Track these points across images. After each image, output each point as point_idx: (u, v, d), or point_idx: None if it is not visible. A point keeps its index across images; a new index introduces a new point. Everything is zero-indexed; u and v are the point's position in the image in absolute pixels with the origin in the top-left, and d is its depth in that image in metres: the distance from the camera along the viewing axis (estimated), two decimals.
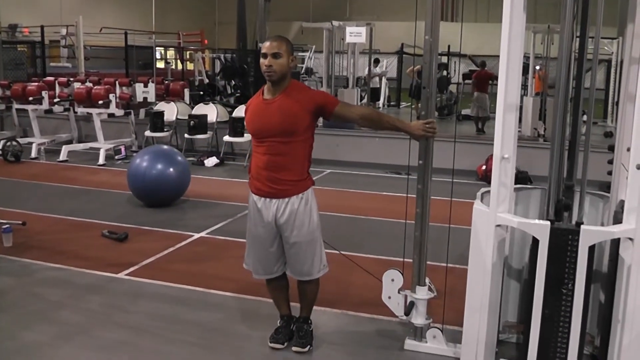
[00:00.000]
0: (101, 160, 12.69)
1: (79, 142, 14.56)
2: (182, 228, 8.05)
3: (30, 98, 13.83)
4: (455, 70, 24.09)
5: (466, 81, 20.07)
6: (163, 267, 6.64)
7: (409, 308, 4.74)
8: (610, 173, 4.33)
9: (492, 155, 3.98)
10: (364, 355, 4.77)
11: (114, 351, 4.75)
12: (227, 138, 12.92)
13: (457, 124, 17.46)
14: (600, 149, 4.83)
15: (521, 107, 13.17)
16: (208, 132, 13.50)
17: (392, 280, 4.81)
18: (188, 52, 26.03)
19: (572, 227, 3.73)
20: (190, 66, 25.68)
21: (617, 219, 3.86)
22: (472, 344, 4.17)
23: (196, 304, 5.67)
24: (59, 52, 22.88)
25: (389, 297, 4.83)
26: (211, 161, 12.87)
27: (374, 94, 21.47)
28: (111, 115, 13.39)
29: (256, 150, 4.45)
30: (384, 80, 23.65)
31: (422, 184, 4.62)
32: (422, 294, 4.73)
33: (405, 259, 4.86)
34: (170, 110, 14.14)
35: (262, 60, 4.28)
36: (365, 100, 19.18)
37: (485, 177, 10.64)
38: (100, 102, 13.12)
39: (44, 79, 15.37)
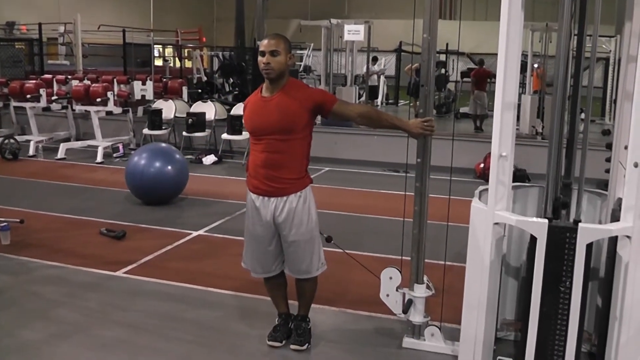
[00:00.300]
0: (99, 158, 12.69)
1: (77, 139, 14.55)
2: (180, 226, 8.05)
3: (28, 96, 13.79)
4: (453, 69, 24.10)
5: (464, 79, 20.07)
6: (161, 265, 6.64)
7: (407, 306, 4.74)
8: (607, 171, 4.33)
9: (490, 153, 3.98)
10: (362, 353, 4.77)
11: (112, 349, 4.74)
12: (225, 136, 12.92)
13: (456, 122, 17.46)
14: (598, 147, 4.83)
15: (519, 105, 13.18)
16: (206, 130, 13.48)
17: (390, 278, 4.80)
18: (186, 50, 25.99)
19: (569, 225, 3.73)
20: (188, 64, 25.64)
21: (615, 217, 3.87)
22: (470, 342, 4.17)
23: (194, 302, 5.67)
24: (56, 50, 22.87)
25: (387, 295, 4.83)
26: (209, 159, 12.86)
27: (372, 92, 21.47)
28: (109, 113, 13.38)
29: (254, 148, 4.45)
30: (382, 78, 23.69)
31: (421, 182, 4.62)
32: (420, 291, 4.73)
33: (404, 257, 4.87)
34: (169, 108, 14.14)
35: (260, 58, 4.29)
36: (363, 98, 19.18)
37: (484, 175, 10.65)
38: (98, 99, 13.11)
39: (42, 76, 15.33)
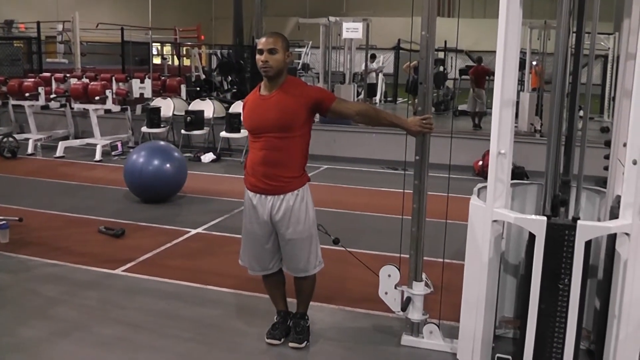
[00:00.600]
0: (98, 156, 12.69)
1: (76, 138, 14.55)
2: (178, 224, 8.05)
3: (27, 94, 13.79)
4: (452, 66, 24.09)
5: (463, 77, 20.08)
6: (160, 263, 6.65)
7: (406, 304, 4.74)
8: (606, 168, 4.33)
9: (488, 150, 3.98)
10: (360, 350, 4.77)
11: (111, 347, 4.75)
12: (223, 134, 12.91)
13: (454, 120, 17.46)
14: (596, 144, 4.83)
15: (518, 103, 13.18)
16: (205, 128, 13.47)
17: (389, 275, 4.80)
18: (185, 48, 26.01)
19: (568, 222, 3.73)
20: (186, 62, 25.68)
21: (614, 214, 3.87)
22: (468, 339, 4.18)
23: (193, 300, 5.67)
24: (55, 48, 22.82)
25: (386, 293, 4.83)
26: (208, 157, 12.86)
27: (371, 89, 21.48)
28: (108, 111, 13.36)
29: (253, 146, 4.45)
30: (380, 76, 23.68)
31: (419, 180, 4.62)
32: (419, 289, 4.73)
33: (402, 255, 4.87)
34: (167, 106, 14.13)
35: (258, 56, 4.30)
36: (362, 96, 19.18)
37: (482, 173, 10.64)
38: (97, 98, 13.09)
39: (41, 74, 15.33)
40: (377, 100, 23.04)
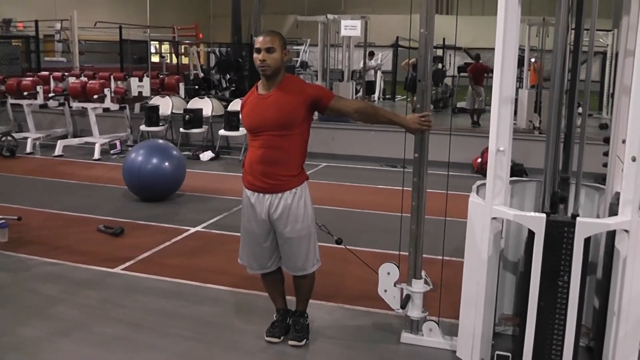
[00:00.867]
0: (96, 155, 12.68)
1: (74, 136, 14.54)
2: (177, 222, 8.05)
3: (25, 93, 13.78)
4: (450, 63, 24.09)
5: (461, 74, 20.08)
6: (159, 261, 6.64)
7: (405, 301, 4.74)
8: (605, 165, 4.33)
9: (487, 147, 3.98)
10: (360, 348, 4.77)
11: (110, 346, 4.75)
12: (222, 132, 12.91)
13: (453, 117, 17.46)
14: (595, 141, 4.83)
15: (516, 100, 13.16)
16: (203, 126, 13.47)
17: (388, 273, 4.81)
18: (183, 46, 25.99)
19: (567, 219, 3.73)
20: (185, 60, 25.66)
21: (613, 211, 3.87)
22: (468, 337, 4.18)
23: (192, 298, 5.67)
24: (53, 47, 22.82)
25: (385, 291, 4.84)
26: (206, 155, 12.86)
27: (369, 87, 21.48)
28: (106, 109, 13.36)
29: (251, 144, 4.45)
30: (379, 73, 23.67)
31: (418, 177, 4.62)
32: (418, 287, 4.73)
33: (401, 252, 4.87)
34: (165, 105, 14.12)
35: (255, 55, 4.30)
36: (360, 94, 19.18)
37: (481, 170, 10.64)
38: (95, 96, 13.08)
39: (39, 73, 15.31)
40: (376, 98, 23.03)
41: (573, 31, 3.88)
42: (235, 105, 13.11)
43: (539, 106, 14.81)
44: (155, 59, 25.79)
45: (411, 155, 4.61)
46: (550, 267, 3.73)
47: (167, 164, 9.04)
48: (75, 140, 13.87)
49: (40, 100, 13.93)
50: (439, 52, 22.54)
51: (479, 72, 17.18)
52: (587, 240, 3.70)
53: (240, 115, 4.71)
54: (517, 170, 9.60)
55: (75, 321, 5.16)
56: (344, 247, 5.27)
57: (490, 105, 3.98)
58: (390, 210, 7.54)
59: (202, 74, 21.26)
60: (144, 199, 9.13)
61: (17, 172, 11.36)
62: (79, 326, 5.06)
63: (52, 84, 14.24)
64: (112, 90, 13.48)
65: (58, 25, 21.24)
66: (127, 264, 6.48)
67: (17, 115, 14.92)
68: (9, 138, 12.92)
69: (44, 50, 21.64)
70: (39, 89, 13.86)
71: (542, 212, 3.82)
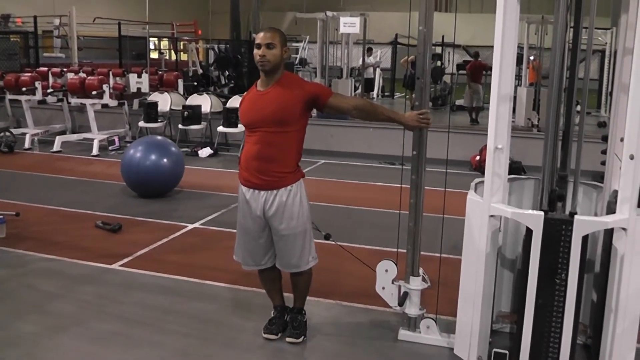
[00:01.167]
0: (95, 151, 12.68)
1: (73, 132, 14.55)
2: (176, 219, 8.05)
3: (24, 88, 13.78)
4: (449, 61, 24.07)
5: (460, 71, 20.07)
6: (157, 258, 6.65)
7: (403, 298, 4.75)
8: (603, 163, 4.33)
9: (486, 145, 3.98)
10: (357, 345, 4.78)
11: (108, 342, 4.75)
12: (221, 129, 12.91)
13: (451, 115, 17.46)
14: (593, 139, 4.83)
15: (515, 98, 13.20)
16: (202, 122, 13.48)
17: (386, 270, 4.81)
18: (182, 43, 25.96)
19: (565, 217, 3.73)
20: (184, 57, 25.59)
21: (611, 209, 3.87)
22: (465, 334, 4.18)
23: (190, 294, 5.67)
24: (52, 43, 22.80)
25: (383, 288, 4.84)
26: (205, 152, 12.86)
27: (368, 84, 21.47)
28: (105, 105, 13.37)
29: (248, 140, 4.45)
30: (378, 70, 23.65)
31: (416, 175, 4.63)
32: (416, 284, 4.74)
33: (399, 250, 4.87)
34: (164, 101, 14.11)
35: (255, 50, 4.30)
36: (359, 91, 19.16)
37: (479, 168, 10.66)
38: (94, 92, 13.09)
39: (37, 69, 15.32)
40: (375, 95, 23.02)
41: (572, 29, 3.88)
42: (234, 101, 13.11)
43: (537, 104, 14.80)
44: (154, 55, 25.76)
45: (410, 152, 4.61)
46: (548, 264, 3.73)
47: (165, 160, 9.04)
48: (73, 136, 13.88)
49: (38, 96, 13.94)
50: (438, 50, 22.54)
51: (477, 69, 17.16)
52: (585, 238, 3.70)
53: (238, 112, 4.69)
54: (515, 168, 9.60)
55: (72, 317, 5.16)
56: (333, 242, 5.26)
57: (489, 103, 3.98)
58: (388, 207, 7.55)
59: (201, 71, 21.23)
60: (142, 195, 9.13)
61: (16, 167, 11.35)
62: (77, 322, 5.06)
63: (51, 80, 14.24)
64: (111, 86, 13.48)
65: (57, 21, 21.23)
66: (125, 260, 6.48)
67: (16, 111, 14.90)
68: (8, 134, 12.92)
69: (42, 46, 21.62)
70: (38, 84, 13.87)
71: (540, 210, 3.82)
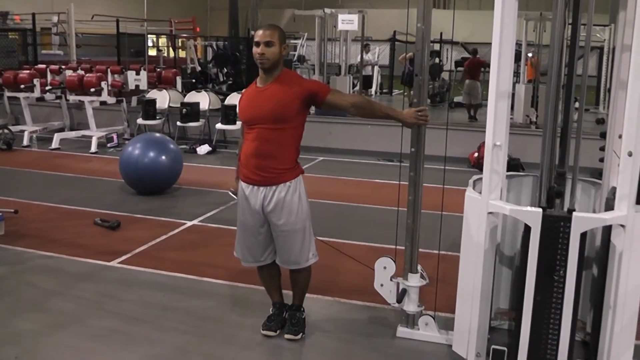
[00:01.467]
0: (93, 148, 12.67)
1: (71, 130, 14.52)
2: (174, 216, 8.05)
3: (22, 86, 13.76)
4: (447, 58, 24.09)
5: (458, 68, 20.08)
6: (155, 255, 6.64)
7: (401, 295, 4.75)
8: (602, 160, 4.33)
9: (484, 142, 3.98)
10: (356, 342, 4.78)
11: (107, 339, 4.75)
12: (219, 126, 12.90)
13: (450, 112, 17.46)
14: (592, 136, 4.83)
15: (513, 95, 13.20)
16: (200, 119, 13.47)
17: (385, 267, 4.81)
18: (180, 40, 25.97)
19: (564, 214, 3.74)
20: (182, 54, 25.62)
21: (609, 206, 3.87)
22: (464, 331, 4.18)
23: (188, 291, 5.68)
24: (50, 40, 22.80)
25: (381, 285, 4.84)
26: (203, 149, 12.85)
27: (367, 81, 21.46)
28: (103, 103, 13.35)
29: (246, 137, 4.46)
30: (376, 67, 23.65)
31: (415, 172, 4.63)
32: (414, 281, 4.74)
33: (398, 247, 4.87)
34: (163, 98, 14.11)
35: (254, 48, 4.30)
36: (357, 88, 19.15)
37: (478, 165, 10.65)
38: (92, 89, 13.07)
39: (36, 66, 15.29)
40: (373, 92, 23.02)
41: (570, 26, 3.88)
42: (233, 99, 13.10)
43: (535, 101, 14.79)
44: (152, 52, 25.78)
45: (408, 149, 4.61)
46: (546, 261, 3.74)
47: (164, 157, 9.04)
48: (72, 133, 13.86)
49: (37, 93, 13.93)
50: (436, 47, 22.55)
51: (475, 66, 17.15)
52: (583, 235, 3.71)
53: (237, 108, 4.69)
54: (513, 164, 9.60)
55: (71, 314, 5.16)
56: (330, 243, 5.26)
57: (487, 100, 3.98)
58: (386, 204, 7.56)
59: (199, 68, 21.24)
60: (140, 193, 9.12)
61: (14, 165, 11.35)
62: (76, 319, 5.06)
63: (49, 77, 14.22)
64: (109, 83, 13.47)
65: (55, 18, 21.21)
66: (124, 257, 6.48)
67: (14, 108, 14.89)
68: (6, 131, 12.91)
69: (41, 43, 21.60)
70: (36, 81, 13.86)
71: (539, 206, 3.82)
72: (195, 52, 23.13)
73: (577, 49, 3.88)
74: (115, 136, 13.36)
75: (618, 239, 3.71)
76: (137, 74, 14.19)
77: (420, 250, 4.78)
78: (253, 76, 4.57)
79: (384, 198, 8.32)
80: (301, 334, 4.78)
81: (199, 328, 4.96)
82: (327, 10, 16.58)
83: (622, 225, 3.67)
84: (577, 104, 3.95)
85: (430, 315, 4.75)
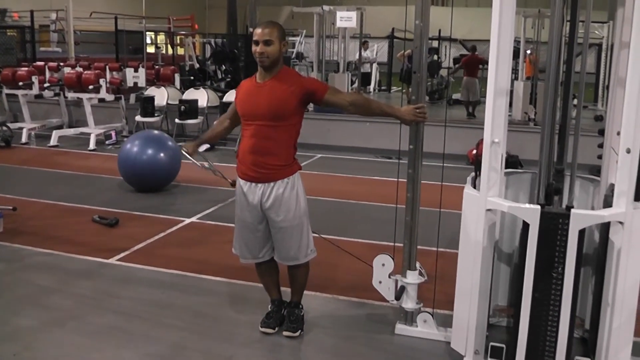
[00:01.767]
0: (92, 145, 12.67)
1: (70, 127, 14.53)
2: (173, 213, 8.05)
3: (20, 83, 13.77)
4: (445, 55, 24.06)
5: (457, 65, 20.07)
6: (154, 252, 6.64)
7: (400, 292, 4.75)
8: (600, 157, 4.33)
9: (482, 139, 3.98)
10: (354, 339, 4.78)
11: (105, 336, 4.75)
12: None
13: (448, 109, 17.44)
14: (590, 133, 4.83)
15: (512, 92, 13.18)
16: (199, 117, 13.47)
17: (383, 264, 4.82)
18: (178, 37, 25.94)
19: (562, 211, 3.74)
20: (180, 51, 25.59)
21: (607, 203, 3.87)
22: (462, 328, 4.19)
23: (187, 289, 5.67)
24: (48, 37, 22.78)
25: (380, 282, 4.85)
26: (202, 146, 12.81)
27: (365, 78, 21.45)
28: (101, 100, 13.35)
29: (244, 134, 4.47)
30: (374, 65, 23.63)
31: (413, 169, 4.63)
32: (413, 278, 4.74)
33: (396, 244, 4.87)
34: (161, 95, 14.11)
35: (254, 47, 4.30)
36: (356, 85, 19.15)
37: (476, 162, 10.64)
38: (91, 87, 13.07)
39: (34, 63, 15.30)
40: (371, 90, 23.00)
41: (568, 23, 3.89)
42: (231, 96, 13.08)
43: (534, 98, 14.79)
44: (150, 49, 25.75)
45: (406, 146, 4.61)
46: (545, 258, 3.74)
47: (162, 154, 9.04)
48: (70, 130, 13.86)
49: (35, 90, 13.93)
50: (435, 44, 22.53)
51: (472, 63, 17.13)
52: (582, 232, 3.71)
53: (235, 99, 4.69)
54: (512, 161, 9.59)
55: (70, 311, 5.16)
56: (317, 235, 5.25)
57: (485, 97, 3.98)
58: (385, 201, 7.55)
59: (197, 65, 21.21)
60: (139, 190, 9.12)
61: (12, 162, 11.34)
62: (74, 316, 5.06)
63: (48, 74, 14.23)
64: (108, 80, 13.46)
65: (53, 16, 21.19)
66: (122, 254, 6.48)
67: (13, 106, 14.90)
68: (4, 128, 12.91)
69: (39, 40, 21.59)
70: (34, 79, 13.86)
71: (537, 203, 3.83)
72: (194, 50, 23.11)
73: (576, 46, 3.88)
74: (113, 133, 13.36)
75: (616, 235, 3.71)
76: (136, 71, 14.18)
77: (418, 247, 4.78)
78: (251, 73, 4.57)
79: (383, 195, 8.31)
80: (300, 331, 4.78)
81: (198, 325, 4.96)
82: (326, 8, 16.59)
83: (621, 222, 3.67)
84: (575, 101, 3.96)
85: (429, 313, 4.75)
